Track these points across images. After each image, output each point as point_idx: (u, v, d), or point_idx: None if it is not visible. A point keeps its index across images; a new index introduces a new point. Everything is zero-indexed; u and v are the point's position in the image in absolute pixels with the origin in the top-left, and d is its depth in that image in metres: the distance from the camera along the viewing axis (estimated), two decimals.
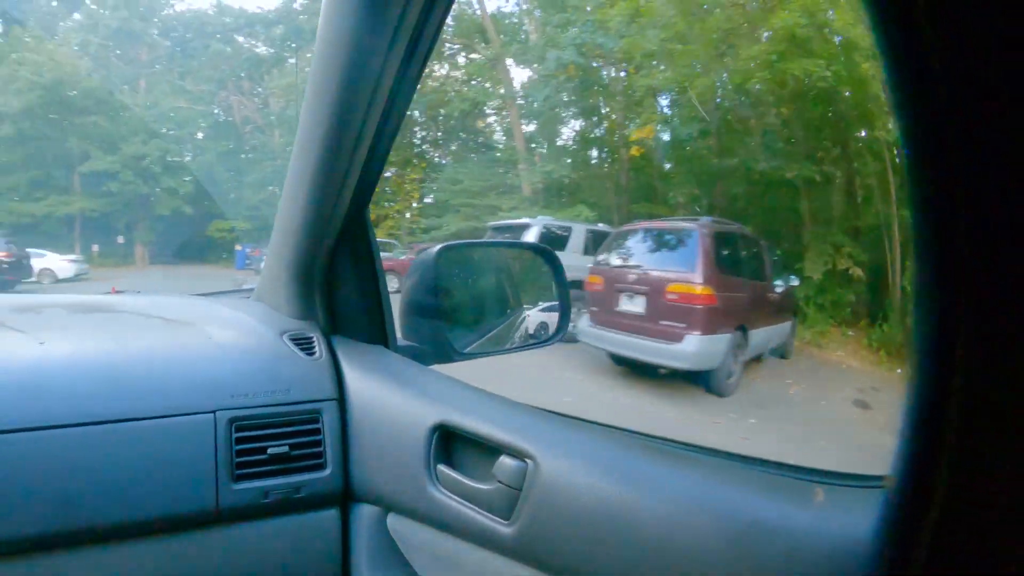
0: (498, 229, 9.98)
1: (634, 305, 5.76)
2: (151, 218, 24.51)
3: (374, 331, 0.99)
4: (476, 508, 0.71)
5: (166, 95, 24.88)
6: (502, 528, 0.67)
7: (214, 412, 0.79)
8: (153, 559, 0.75)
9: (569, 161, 17.33)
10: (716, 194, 12.12)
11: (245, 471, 0.79)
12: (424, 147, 25.23)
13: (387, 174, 23.93)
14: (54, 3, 25.96)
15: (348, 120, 0.77)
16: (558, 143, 19.59)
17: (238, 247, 22.33)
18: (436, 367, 0.97)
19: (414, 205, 22.52)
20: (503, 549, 0.68)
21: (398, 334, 1.01)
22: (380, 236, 19.41)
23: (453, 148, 25.55)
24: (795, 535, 0.50)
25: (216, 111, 25.44)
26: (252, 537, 0.80)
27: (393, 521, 0.84)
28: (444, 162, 25.14)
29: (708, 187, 12.25)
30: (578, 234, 9.06)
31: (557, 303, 1.15)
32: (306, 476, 0.83)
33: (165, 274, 20.01)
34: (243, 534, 0.79)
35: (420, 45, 0.73)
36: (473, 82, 23.15)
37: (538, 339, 1.27)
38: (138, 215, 24.51)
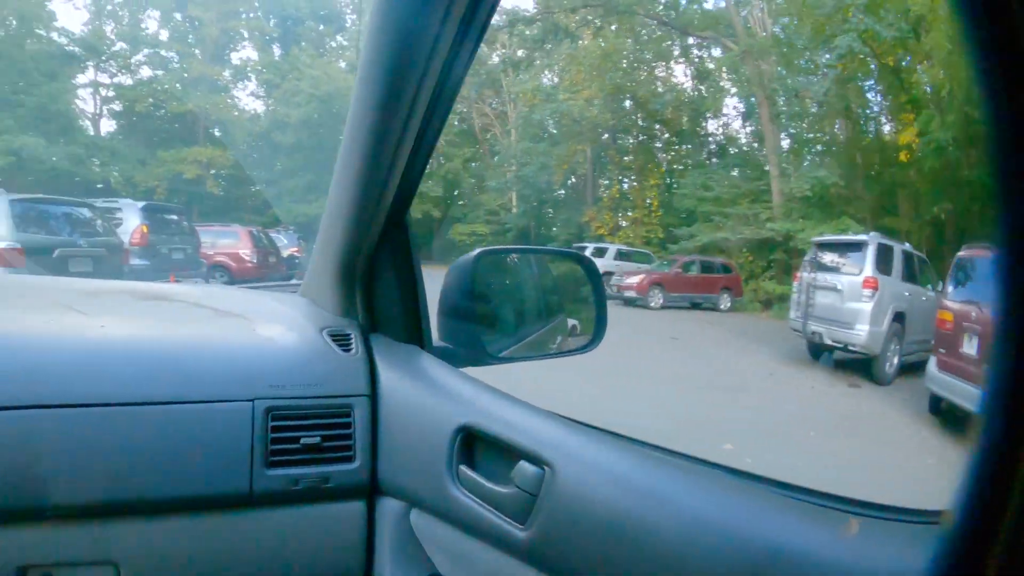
0: (825, 246, 8.69)
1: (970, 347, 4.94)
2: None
3: (411, 331, 0.99)
4: (494, 511, 0.72)
5: None
6: (517, 532, 0.68)
7: (252, 400, 0.83)
8: (189, 535, 0.80)
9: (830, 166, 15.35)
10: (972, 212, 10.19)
11: (278, 458, 0.83)
12: (656, 151, 23.69)
13: (624, 183, 22.70)
14: (321, 27, 29.03)
15: (391, 123, 0.78)
16: (816, 146, 17.01)
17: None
18: (469, 370, 0.96)
19: (651, 213, 20.97)
20: (518, 553, 0.69)
21: (434, 335, 1.01)
22: (617, 243, 19.01)
23: (682, 152, 23.64)
24: (823, 569, 0.47)
25: (458, 117, 26.26)
26: (281, 522, 0.84)
27: (416, 517, 0.85)
28: (678, 168, 23.33)
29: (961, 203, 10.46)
30: (898, 256, 7.79)
31: (594, 313, 1.13)
32: (335, 467, 0.85)
33: None
34: (273, 518, 0.83)
35: (463, 50, 0.73)
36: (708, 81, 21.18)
37: (574, 348, 1.21)
38: None
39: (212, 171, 24.40)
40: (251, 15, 28.32)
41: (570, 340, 1.29)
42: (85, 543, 0.76)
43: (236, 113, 27.52)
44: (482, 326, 1.05)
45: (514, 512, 0.68)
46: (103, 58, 25.16)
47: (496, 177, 25.35)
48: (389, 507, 0.86)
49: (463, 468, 0.76)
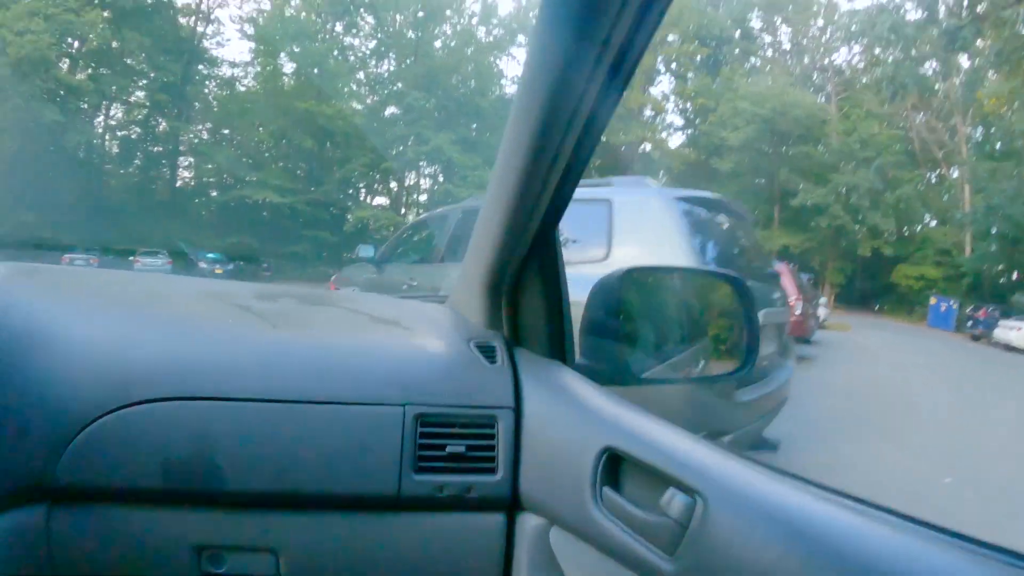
0: None
1: None
2: (842, 257, 23.99)
3: (554, 347, 1.00)
4: (639, 537, 0.70)
5: (861, 119, 24.07)
6: (663, 563, 0.66)
7: (404, 405, 0.88)
8: (340, 531, 0.88)
9: None
10: None
11: (425, 464, 0.87)
12: None
13: None
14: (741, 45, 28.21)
15: (548, 140, 0.80)
16: None
17: (933, 300, 19.64)
18: (613, 389, 0.93)
19: None
20: None
21: (577, 352, 1.01)
22: None
23: None
24: None
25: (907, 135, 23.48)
26: (424, 527, 0.88)
27: (556, 535, 0.85)
28: None
29: None
30: None
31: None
32: (478, 478, 0.87)
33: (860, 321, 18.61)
34: (417, 523, 0.88)
35: (622, 69, 0.73)
36: None
37: (719, 373, 1.15)
38: (831, 253, 23.88)
39: None
40: (676, 39, 28.79)
41: (714, 365, 1.23)
42: (251, 530, 0.85)
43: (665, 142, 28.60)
44: (625, 345, 1.05)
45: (661, 541, 0.66)
46: None
47: (947, 207, 21.95)
48: (529, 523, 0.87)
49: (607, 490, 0.75)
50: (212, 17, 26.78)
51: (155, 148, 26.28)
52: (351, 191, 26.52)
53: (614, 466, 0.76)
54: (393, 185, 28.02)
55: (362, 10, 28.44)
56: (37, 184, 23.24)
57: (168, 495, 0.82)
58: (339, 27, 28.44)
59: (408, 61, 28.23)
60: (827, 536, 0.54)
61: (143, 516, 0.82)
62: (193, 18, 26.68)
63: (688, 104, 29.04)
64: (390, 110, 27.05)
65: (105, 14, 24.53)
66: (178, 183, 26.49)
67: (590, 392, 0.87)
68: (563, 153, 0.81)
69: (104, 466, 0.79)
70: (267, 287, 1.44)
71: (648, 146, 28.73)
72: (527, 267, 0.98)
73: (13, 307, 0.88)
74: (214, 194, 25.82)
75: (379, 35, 28.94)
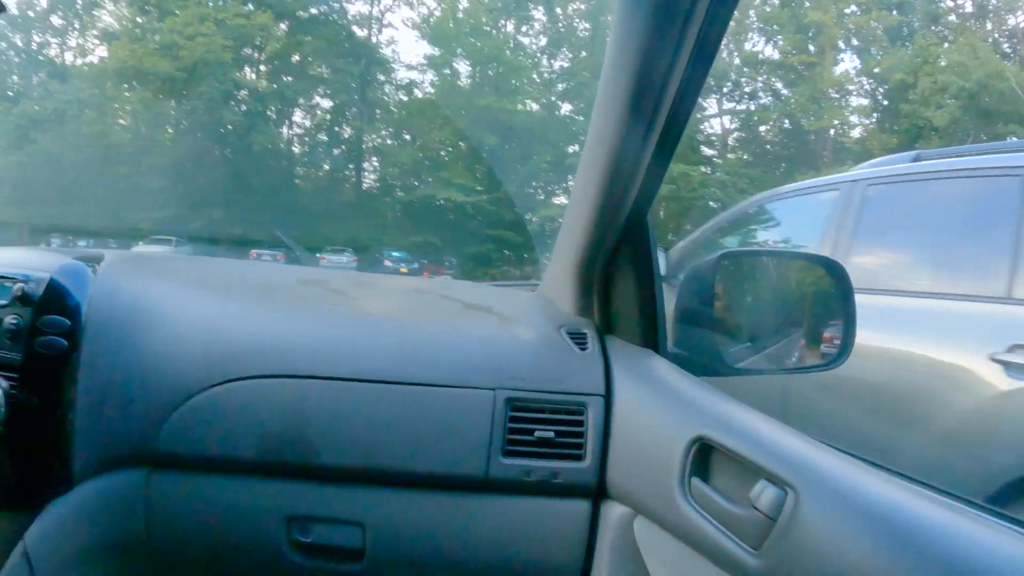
0: None
1: None
2: None
3: (646, 334, 0.97)
4: (725, 530, 0.70)
5: None
6: (749, 557, 0.65)
7: (495, 390, 0.88)
8: (428, 509, 0.87)
9: None
10: None
11: (513, 448, 0.87)
12: None
13: None
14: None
15: (635, 126, 0.80)
16: None
17: None
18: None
19: None
20: None
21: (669, 340, 0.99)
22: None
23: None
24: None
25: None
26: (510, 510, 0.87)
27: (640, 525, 0.84)
28: None
29: None
30: None
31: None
32: (565, 464, 0.87)
33: None
34: (503, 506, 0.87)
35: (704, 51, 0.73)
36: None
37: (814, 363, 1.11)
38: None
39: None
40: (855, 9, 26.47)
41: (808, 354, 1.14)
42: (339, 503, 0.87)
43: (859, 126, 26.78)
44: (718, 334, 1.00)
45: (748, 535, 0.64)
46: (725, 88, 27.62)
47: None
48: (614, 511, 0.86)
49: (696, 481, 0.74)
50: (385, 22, 27.00)
51: (337, 150, 26.76)
52: (533, 189, 25.38)
53: (704, 456, 0.74)
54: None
55: (531, 5, 27.89)
56: (226, 183, 23.48)
57: (262, 466, 0.87)
58: (510, 26, 27.95)
59: (582, 54, 27.28)
60: (924, 536, 0.51)
61: (237, 485, 0.88)
62: (366, 25, 26.88)
63: (878, 83, 26.34)
64: (566, 107, 26.02)
65: (283, 25, 24.89)
66: (364, 184, 27.01)
67: (682, 381, 0.85)
68: (652, 136, 0.78)
69: (203, 437, 0.86)
70: (365, 275, 1.51)
71: (840, 131, 26.39)
72: (619, 253, 0.96)
73: (119, 290, 0.95)
74: (399, 194, 26.31)
75: (551, 31, 28.34)
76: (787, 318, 1.22)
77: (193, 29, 22.09)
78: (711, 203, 21.68)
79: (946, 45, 23.97)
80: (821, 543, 0.56)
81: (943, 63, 22.35)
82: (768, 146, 28.57)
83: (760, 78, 27.32)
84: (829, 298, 1.06)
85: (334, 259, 17.45)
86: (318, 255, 17.22)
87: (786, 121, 27.23)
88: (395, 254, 20.22)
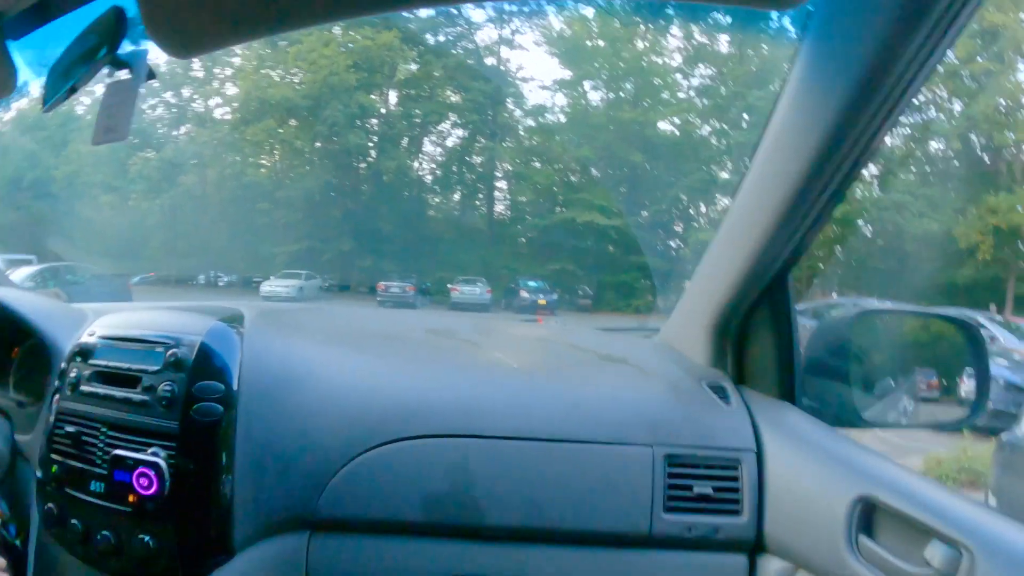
0: None
1: None
2: None
3: (783, 387, 0.98)
4: None
5: None
6: None
7: (652, 446, 0.89)
8: (592, 567, 0.88)
9: None
10: None
11: (674, 504, 0.88)
12: None
13: None
14: None
15: (803, 189, 0.77)
16: None
17: None
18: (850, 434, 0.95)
19: None
20: None
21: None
22: None
23: None
24: None
25: None
26: (672, 566, 0.88)
27: None
28: None
29: None
30: None
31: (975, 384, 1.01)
32: (724, 519, 0.88)
33: None
34: (666, 561, 0.88)
35: (897, 107, 0.69)
36: None
37: (948, 420, 1.10)
38: None
39: None
40: None
41: (940, 412, 1.15)
42: (505, 561, 0.88)
43: None
44: (849, 386, 1.02)
45: None
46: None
47: None
48: (772, 565, 0.87)
49: (864, 540, 0.75)
50: (515, 43, 25.92)
51: (470, 176, 25.39)
52: (680, 211, 22.82)
53: (867, 514, 0.76)
54: (727, 203, 23.89)
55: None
56: (355, 213, 22.81)
57: (425, 527, 0.88)
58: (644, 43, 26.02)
59: (728, 65, 24.44)
60: None
61: (399, 546, 0.89)
62: (495, 48, 25.93)
63: None
64: (711, 124, 23.51)
65: (414, 54, 24.36)
66: (497, 210, 25.38)
67: (832, 437, 0.87)
68: (819, 201, 0.78)
69: (364, 499, 0.88)
70: (487, 322, 1.47)
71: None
72: (758, 307, 0.96)
73: (268, 352, 0.95)
74: (534, 220, 24.51)
75: (685, 50, 25.95)
76: (917, 374, 1.21)
77: (316, 54, 21.83)
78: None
79: None
80: None
81: None
82: (941, 164, 24.17)
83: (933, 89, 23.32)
84: (963, 356, 1.07)
85: (467, 290, 16.66)
86: (449, 286, 16.78)
87: (971, 136, 22.77)
88: (532, 284, 18.78)
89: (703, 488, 0.87)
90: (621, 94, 24.24)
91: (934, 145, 24.29)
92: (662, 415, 0.93)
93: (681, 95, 25.79)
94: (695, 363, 1.07)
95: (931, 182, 22.70)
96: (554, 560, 0.88)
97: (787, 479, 0.86)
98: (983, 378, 1.01)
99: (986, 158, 21.98)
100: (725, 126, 22.62)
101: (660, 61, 26.42)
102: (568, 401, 0.94)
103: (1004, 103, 21.68)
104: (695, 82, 26.00)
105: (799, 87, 0.71)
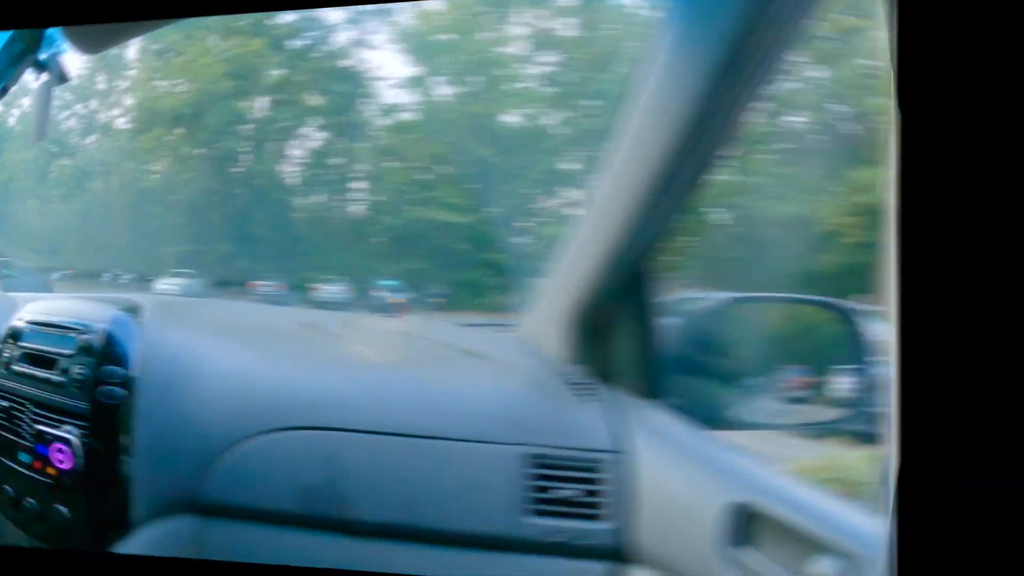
0: None
1: None
2: None
3: (647, 385, 0.95)
4: None
5: None
6: None
7: (517, 445, 0.89)
8: (459, 567, 0.89)
9: None
10: None
11: (539, 507, 0.88)
12: None
13: None
14: None
15: (672, 179, 0.78)
16: None
17: None
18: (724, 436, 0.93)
19: None
20: None
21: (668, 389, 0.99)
22: None
23: None
24: None
25: None
26: (535, 571, 0.88)
27: None
28: None
29: None
30: None
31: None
32: (589, 524, 0.87)
33: None
34: (529, 565, 0.88)
35: (745, 94, 0.72)
36: None
37: (827, 420, 0.99)
38: None
39: None
40: None
41: (818, 411, 1.04)
42: (377, 558, 0.90)
43: None
44: (717, 384, 0.98)
45: None
46: None
47: None
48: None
49: (743, 550, 0.73)
50: (369, 43, 26.67)
51: (331, 177, 26.87)
52: (532, 204, 24.92)
53: (743, 522, 0.73)
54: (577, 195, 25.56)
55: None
56: (231, 217, 24.44)
57: (299, 518, 0.89)
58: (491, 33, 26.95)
59: (577, 50, 25.71)
60: None
61: (276, 536, 0.89)
62: (352, 50, 26.75)
63: None
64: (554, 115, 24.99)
65: (279, 59, 25.31)
66: (356, 210, 26.89)
67: (700, 439, 0.83)
68: (678, 186, 0.76)
69: (244, 487, 0.89)
70: (345, 316, 1.44)
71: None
72: (620, 302, 0.93)
73: (164, 341, 1.00)
74: (390, 220, 25.74)
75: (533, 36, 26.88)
76: (788, 370, 1.13)
77: (197, 64, 22.95)
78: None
79: None
80: None
81: None
82: (802, 140, 26.13)
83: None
84: (838, 348, 0.97)
85: (328, 288, 18.06)
86: (313, 285, 18.40)
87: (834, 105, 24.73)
88: (388, 283, 20.41)
89: (567, 491, 0.84)
90: (469, 88, 25.46)
91: (794, 119, 26.53)
92: (525, 413, 0.91)
93: (529, 84, 27.09)
94: (557, 359, 1.01)
95: (791, 160, 25.21)
96: (423, 559, 0.87)
97: (655, 483, 0.82)
98: (861, 368, 0.91)
99: (851, 129, 24.38)
100: (575, 113, 24.00)
101: (507, 51, 27.40)
102: (430, 397, 0.94)
103: (869, 63, 23.78)
104: (543, 70, 27.32)
105: (660, 71, 0.68)
